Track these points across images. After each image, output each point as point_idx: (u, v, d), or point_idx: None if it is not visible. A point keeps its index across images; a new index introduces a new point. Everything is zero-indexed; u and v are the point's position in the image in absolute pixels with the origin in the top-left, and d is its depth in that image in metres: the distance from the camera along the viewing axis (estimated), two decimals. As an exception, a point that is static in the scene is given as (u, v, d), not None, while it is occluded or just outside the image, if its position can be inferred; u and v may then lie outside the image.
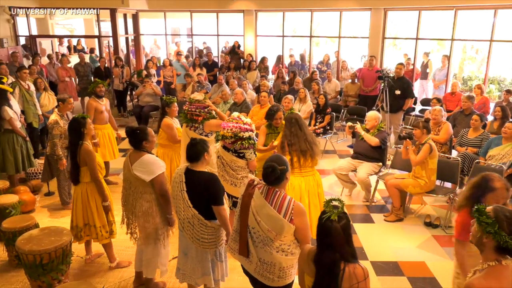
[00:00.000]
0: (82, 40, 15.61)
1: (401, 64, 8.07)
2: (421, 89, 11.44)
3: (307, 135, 4.15)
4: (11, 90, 6.02)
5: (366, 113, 6.04)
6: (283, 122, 4.67)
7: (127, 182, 3.60)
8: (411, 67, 10.51)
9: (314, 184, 4.14)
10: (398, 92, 7.81)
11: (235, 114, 4.57)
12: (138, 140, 3.55)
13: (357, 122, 6.01)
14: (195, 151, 3.17)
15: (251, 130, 4.40)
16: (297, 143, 4.09)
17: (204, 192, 3.11)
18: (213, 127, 4.80)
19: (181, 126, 5.09)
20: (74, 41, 14.92)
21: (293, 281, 2.83)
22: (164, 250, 3.70)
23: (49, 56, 11.13)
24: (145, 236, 3.58)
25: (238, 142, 4.33)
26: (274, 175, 2.68)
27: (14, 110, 5.77)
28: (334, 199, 2.31)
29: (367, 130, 5.84)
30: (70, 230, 3.94)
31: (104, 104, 6.12)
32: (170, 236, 3.76)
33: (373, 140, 5.63)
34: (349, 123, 5.99)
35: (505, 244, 1.96)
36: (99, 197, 3.97)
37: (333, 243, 2.17)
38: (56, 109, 5.48)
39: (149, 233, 3.56)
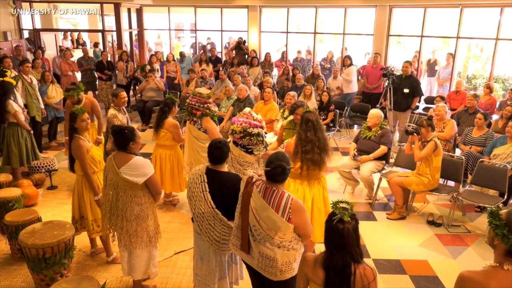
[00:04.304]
0: (84, 34, 15.60)
1: (407, 62, 7.99)
2: (428, 87, 11.38)
3: (321, 141, 3.80)
4: (14, 83, 6.03)
5: (369, 111, 6.01)
6: None
7: (113, 187, 3.42)
8: (416, 65, 10.47)
9: (320, 187, 3.97)
10: (406, 90, 7.74)
11: (247, 109, 4.57)
12: (124, 140, 3.38)
13: (362, 155, 5.79)
14: (221, 153, 3.09)
15: (261, 127, 4.39)
16: (310, 151, 3.76)
17: (231, 192, 3.00)
18: (210, 127, 4.91)
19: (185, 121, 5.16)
20: (76, 35, 14.91)
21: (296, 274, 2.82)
22: (155, 252, 3.67)
23: (60, 49, 11.20)
24: (136, 240, 3.47)
25: (247, 138, 4.34)
26: (283, 175, 2.68)
27: (18, 104, 5.79)
28: (342, 201, 2.28)
29: (369, 128, 5.83)
30: (71, 224, 3.94)
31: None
32: (160, 238, 3.67)
33: (381, 153, 5.66)
34: (354, 152, 5.83)
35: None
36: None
37: (346, 244, 2.15)
38: (112, 104, 5.48)
39: (141, 236, 3.47)
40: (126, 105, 5.49)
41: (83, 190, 3.99)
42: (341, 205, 2.25)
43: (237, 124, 4.37)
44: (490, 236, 2.07)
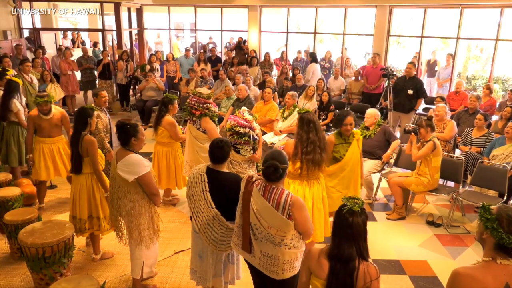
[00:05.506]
0: (84, 33, 15.60)
1: (411, 63, 7.96)
2: (428, 87, 11.38)
3: (321, 141, 3.78)
4: (21, 82, 6.05)
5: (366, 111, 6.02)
6: (354, 131, 4.37)
7: (113, 180, 3.51)
8: (416, 65, 10.47)
9: (319, 187, 3.95)
10: (410, 91, 7.73)
11: (243, 108, 4.60)
12: (127, 136, 3.39)
13: (366, 156, 5.74)
14: (223, 153, 3.08)
15: (250, 128, 4.38)
16: (312, 152, 3.73)
17: (231, 192, 2.97)
18: (209, 128, 4.91)
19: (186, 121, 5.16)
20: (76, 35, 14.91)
21: (298, 273, 2.82)
22: (149, 252, 3.63)
23: (59, 48, 11.23)
24: (129, 237, 3.51)
25: (234, 136, 4.37)
26: (276, 174, 2.67)
27: (21, 104, 5.80)
28: (353, 198, 2.30)
29: (367, 128, 5.82)
30: (71, 223, 3.94)
31: (50, 118, 5.07)
32: (157, 239, 3.64)
33: (396, 146, 5.70)
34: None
35: (501, 241, 1.97)
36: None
37: (354, 235, 2.17)
38: (93, 104, 5.18)
39: (131, 233, 3.47)
40: (107, 105, 5.45)
41: (93, 189, 4.00)
42: (353, 200, 2.28)
43: (230, 121, 4.45)
44: (479, 230, 2.10)
